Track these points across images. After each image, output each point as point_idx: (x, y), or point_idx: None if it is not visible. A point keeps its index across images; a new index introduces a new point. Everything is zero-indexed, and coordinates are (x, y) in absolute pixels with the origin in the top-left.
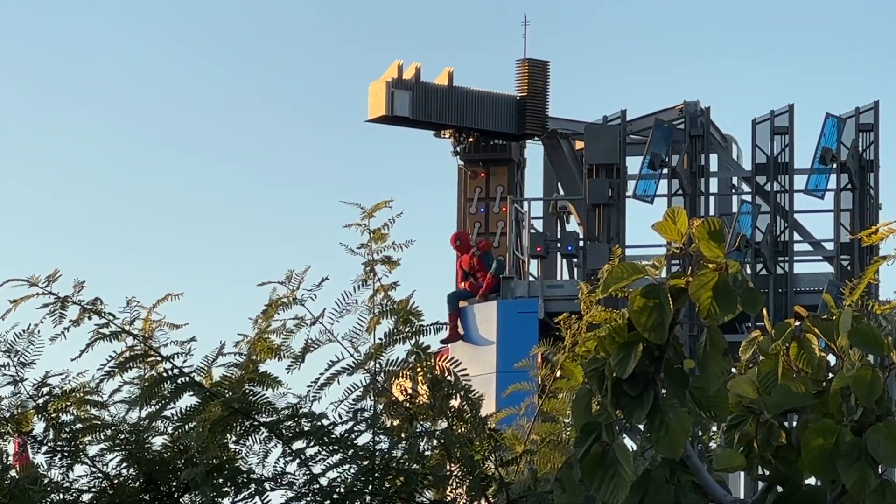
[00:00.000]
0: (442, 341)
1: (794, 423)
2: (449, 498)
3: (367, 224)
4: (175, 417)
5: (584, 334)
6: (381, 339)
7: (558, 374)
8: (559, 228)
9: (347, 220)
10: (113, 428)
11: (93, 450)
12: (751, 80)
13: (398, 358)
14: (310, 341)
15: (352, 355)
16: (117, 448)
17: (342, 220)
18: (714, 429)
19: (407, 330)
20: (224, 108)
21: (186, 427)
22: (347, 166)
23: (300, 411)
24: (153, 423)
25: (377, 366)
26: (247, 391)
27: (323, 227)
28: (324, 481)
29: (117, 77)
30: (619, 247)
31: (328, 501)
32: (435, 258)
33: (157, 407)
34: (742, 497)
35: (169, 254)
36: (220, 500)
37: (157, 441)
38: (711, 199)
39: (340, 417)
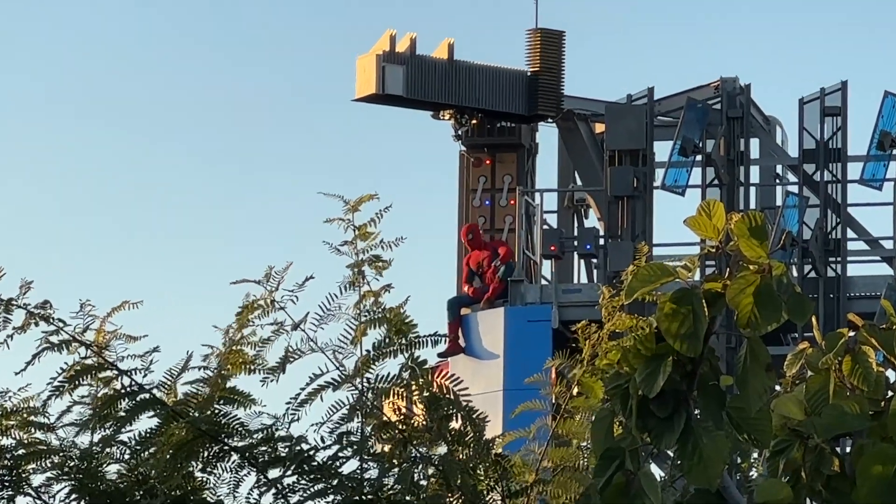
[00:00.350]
0: (440, 354)
1: (848, 449)
2: None
3: (351, 219)
4: (132, 441)
5: (605, 345)
6: (369, 350)
7: (575, 391)
8: (576, 224)
9: (332, 213)
10: (61, 454)
11: (38, 479)
12: (798, 53)
13: (389, 373)
14: (290, 350)
15: (337, 368)
16: (66, 477)
17: (326, 213)
18: (755, 455)
19: (400, 341)
20: (192, 86)
21: (145, 453)
22: (332, 152)
23: (276, 434)
24: (107, 449)
25: (365, 382)
26: (215, 410)
27: (305, 220)
28: None
29: (81, 58)
30: (645, 244)
31: None
32: (433, 258)
33: (112, 429)
34: None
35: (130, 250)
36: None
37: (112, 469)
38: (752, 190)
39: (323, 441)
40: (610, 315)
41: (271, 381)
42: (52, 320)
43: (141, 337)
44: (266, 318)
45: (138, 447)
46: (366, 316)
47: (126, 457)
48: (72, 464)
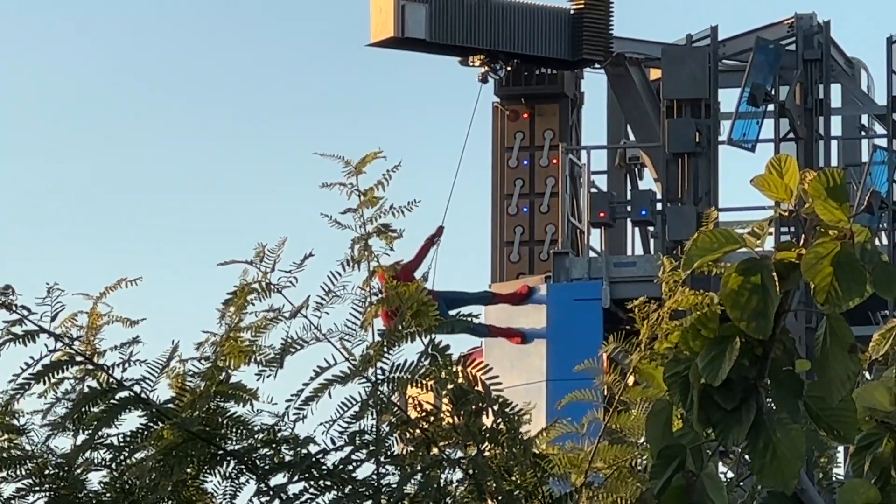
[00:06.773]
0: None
1: None
2: None
3: (354, 184)
4: (116, 445)
5: (665, 325)
6: (381, 335)
7: (631, 380)
8: (629, 186)
9: (332, 177)
10: (36, 460)
11: (9, 488)
12: None
13: (407, 361)
14: (289, 340)
15: (346, 359)
16: (42, 487)
17: (327, 177)
18: (839, 452)
19: (417, 324)
20: (178, 32)
21: (131, 458)
22: (343, 105)
23: (279, 435)
24: (84, 454)
25: (379, 372)
26: (210, 409)
27: (308, 187)
28: None
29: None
30: (713, 208)
31: None
32: (461, 229)
33: (92, 432)
34: None
35: (104, 216)
36: None
37: (94, 477)
38: (833, 144)
39: (333, 442)
40: (671, 291)
41: (268, 375)
42: (13, 308)
43: (139, 320)
44: (260, 304)
45: (123, 452)
46: (375, 296)
47: (109, 462)
48: (49, 472)
